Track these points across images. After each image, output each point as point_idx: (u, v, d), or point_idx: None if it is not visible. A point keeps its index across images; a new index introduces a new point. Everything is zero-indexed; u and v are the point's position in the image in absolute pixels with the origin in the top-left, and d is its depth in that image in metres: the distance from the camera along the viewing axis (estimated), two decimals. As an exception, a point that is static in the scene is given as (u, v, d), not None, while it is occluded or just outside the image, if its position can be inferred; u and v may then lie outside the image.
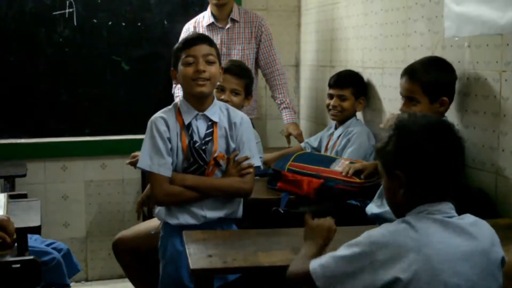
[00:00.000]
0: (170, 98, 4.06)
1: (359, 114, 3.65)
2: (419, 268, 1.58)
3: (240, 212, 2.67)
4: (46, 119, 4.41)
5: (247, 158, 2.62)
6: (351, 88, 3.49)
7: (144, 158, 2.56)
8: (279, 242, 2.17)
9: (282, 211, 2.81)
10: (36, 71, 4.36)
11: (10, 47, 4.30)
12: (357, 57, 3.82)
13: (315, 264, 1.74)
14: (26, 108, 4.37)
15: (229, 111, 2.68)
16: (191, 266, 1.94)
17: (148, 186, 3.27)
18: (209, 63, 2.58)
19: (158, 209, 2.66)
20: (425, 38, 3.04)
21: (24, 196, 3.24)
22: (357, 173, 2.90)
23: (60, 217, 4.47)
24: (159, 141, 2.54)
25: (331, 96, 3.53)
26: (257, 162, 2.67)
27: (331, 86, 3.54)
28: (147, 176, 3.51)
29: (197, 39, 2.61)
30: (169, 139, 2.56)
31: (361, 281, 1.65)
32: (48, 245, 3.43)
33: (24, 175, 3.93)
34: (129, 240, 3.24)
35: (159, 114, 2.64)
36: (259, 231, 2.35)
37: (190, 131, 2.57)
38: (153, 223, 3.22)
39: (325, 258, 1.73)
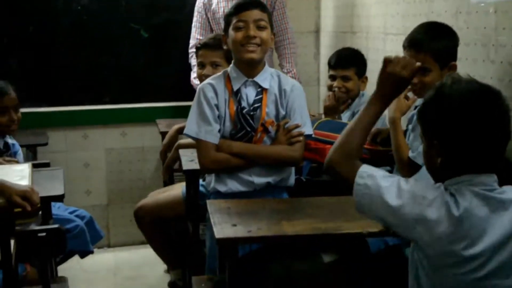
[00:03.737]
0: (189, 67, 4.05)
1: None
2: (451, 241, 1.58)
3: (291, 180, 2.63)
4: (66, 88, 4.42)
5: (297, 126, 2.56)
6: (354, 67, 3.37)
7: (191, 125, 2.54)
8: (302, 211, 2.17)
9: (304, 180, 2.80)
10: (55, 40, 4.36)
11: (29, 17, 4.29)
12: (378, 23, 3.77)
13: (362, 175, 1.71)
14: (46, 77, 4.38)
15: (280, 78, 2.62)
16: (216, 236, 1.94)
17: (173, 149, 3.30)
18: (260, 28, 2.52)
19: (207, 180, 2.64)
20: (449, 4, 2.99)
21: (47, 165, 3.26)
22: (373, 138, 2.87)
23: (81, 185, 4.51)
24: (206, 108, 2.52)
25: (333, 77, 3.40)
26: (308, 130, 2.61)
27: (332, 67, 3.42)
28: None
29: (249, 3, 2.54)
30: (217, 106, 2.53)
31: (390, 223, 1.68)
32: (71, 212, 3.47)
33: (46, 144, 3.96)
34: (150, 209, 3.26)
35: (207, 81, 2.61)
36: (281, 200, 2.35)
37: (238, 98, 2.54)
38: (173, 191, 3.24)
39: (374, 182, 1.69)
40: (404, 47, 2.61)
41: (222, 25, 3.96)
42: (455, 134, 1.64)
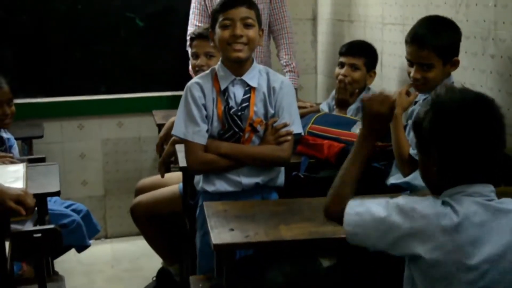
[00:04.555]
0: (186, 55, 4.00)
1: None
2: (449, 252, 1.56)
3: (281, 180, 2.59)
4: (62, 78, 4.38)
5: (285, 125, 2.52)
6: (364, 58, 3.30)
7: (179, 125, 2.51)
8: (299, 214, 2.14)
9: (302, 176, 2.77)
10: (50, 29, 4.32)
11: (23, 5, 4.24)
12: (376, 12, 3.73)
13: (350, 214, 1.70)
14: (41, 67, 4.33)
15: (269, 75, 2.57)
16: (213, 241, 1.92)
17: (169, 144, 3.27)
18: (247, 26, 2.47)
19: (195, 180, 2.61)
20: (448, -5, 2.95)
21: (42, 160, 3.24)
22: None
23: (78, 176, 4.49)
24: (194, 108, 2.48)
25: (341, 65, 3.35)
26: (297, 129, 2.57)
27: (342, 53, 3.36)
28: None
29: (235, 1, 2.48)
30: (204, 106, 2.50)
31: (383, 243, 1.65)
32: (67, 206, 3.45)
33: (41, 136, 3.94)
34: (146, 205, 3.25)
35: (195, 79, 2.57)
36: (279, 201, 2.33)
37: (226, 97, 2.50)
38: (168, 189, 3.22)
39: (361, 212, 1.69)
40: (407, 41, 2.58)
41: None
42: (452, 143, 1.62)
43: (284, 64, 4.02)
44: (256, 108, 2.51)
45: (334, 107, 3.38)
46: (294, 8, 4.51)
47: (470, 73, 2.79)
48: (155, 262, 3.87)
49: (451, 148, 1.63)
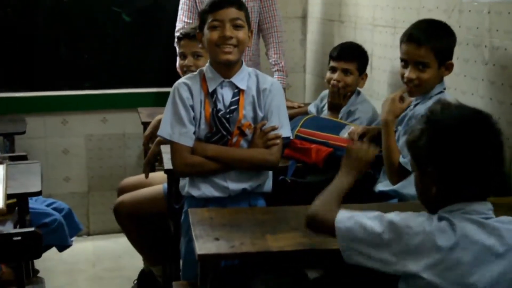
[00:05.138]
0: (173, 51, 3.94)
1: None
2: (446, 270, 1.52)
3: (268, 186, 2.53)
4: (46, 72, 4.31)
5: (274, 129, 2.46)
6: (356, 62, 3.22)
7: (165, 126, 2.43)
8: (286, 223, 2.09)
9: (289, 181, 2.73)
10: (35, 23, 4.24)
11: (7, -1, 4.17)
12: (367, 14, 3.68)
13: (342, 220, 1.68)
14: (25, 61, 4.26)
15: (258, 77, 2.51)
16: (198, 251, 1.87)
17: (154, 144, 3.21)
18: (237, 27, 2.40)
19: (181, 184, 2.55)
20: (441, 0, 2.90)
21: (24, 158, 3.17)
22: (361, 137, 2.80)
23: (60, 172, 4.42)
24: (181, 108, 2.41)
25: (333, 70, 3.26)
26: (285, 132, 2.50)
27: (334, 58, 3.27)
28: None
29: (225, 1, 2.41)
30: (192, 107, 2.43)
31: (377, 260, 1.61)
32: (49, 205, 3.39)
33: (24, 132, 3.86)
34: (129, 205, 3.19)
35: (182, 79, 2.50)
36: (265, 209, 2.29)
37: (214, 99, 2.44)
38: (152, 189, 3.16)
39: (354, 220, 1.66)
40: (402, 41, 2.54)
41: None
42: (451, 161, 1.58)
43: (273, 63, 3.97)
44: (245, 111, 2.45)
45: (324, 109, 3.33)
46: (284, 6, 4.46)
47: (462, 79, 2.75)
48: (137, 261, 3.82)
49: (450, 167, 1.59)
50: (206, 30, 2.43)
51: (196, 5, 3.92)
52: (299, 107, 3.76)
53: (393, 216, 1.63)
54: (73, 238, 3.44)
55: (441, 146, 1.60)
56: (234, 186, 2.45)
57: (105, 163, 4.50)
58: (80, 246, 4.21)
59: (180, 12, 3.96)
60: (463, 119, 1.62)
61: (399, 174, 2.42)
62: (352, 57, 3.22)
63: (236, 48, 2.41)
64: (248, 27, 2.46)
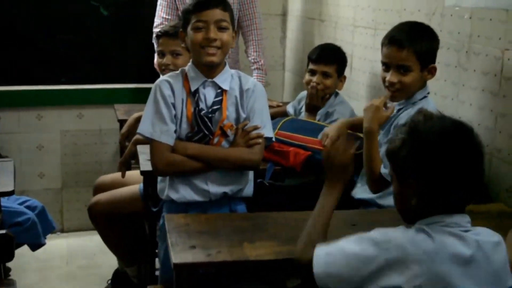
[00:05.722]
0: (151, 47, 3.88)
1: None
2: (428, 282, 1.50)
3: (249, 190, 2.49)
4: (21, 66, 4.24)
5: (256, 128, 2.42)
6: (335, 65, 3.20)
7: (146, 123, 2.37)
8: (264, 230, 2.06)
9: (267, 184, 2.70)
10: (10, 16, 4.16)
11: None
12: (348, 14, 3.65)
13: (320, 255, 1.64)
14: (-1, 55, 4.18)
15: (241, 79, 2.47)
16: (173, 260, 1.83)
17: (130, 143, 3.15)
18: (221, 29, 2.36)
19: (159, 187, 2.49)
20: (423, 3, 2.89)
21: (-4, 156, 3.11)
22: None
23: (34, 167, 4.36)
24: (163, 106, 2.36)
25: (312, 72, 3.23)
26: (268, 132, 2.46)
27: (313, 61, 3.24)
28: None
29: (209, 2, 2.36)
30: (174, 105, 2.38)
31: (357, 280, 1.58)
32: (22, 203, 3.33)
33: (-4, 129, 3.79)
34: (105, 205, 3.13)
35: (164, 77, 2.44)
36: (245, 215, 2.25)
37: (196, 98, 2.39)
38: (128, 189, 3.11)
39: (332, 252, 1.63)
40: (384, 44, 2.49)
41: (188, 6, 3.83)
42: (432, 173, 1.56)
43: (252, 61, 3.93)
44: (228, 112, 2.41)
45: (302, 111, 3.30)
46: (264, 3, 4.41)
47: (442, 84, 2.74)
48: (112, 259, 3.77)
49: (431, 179, 1.57)
50: (189, 31, 2.38)
51: (175, 1, 3.87)
52: (278, 106, 3.73)
53: (372, 233, 1.61)
54: (47, 237, 3.38)
55: (423, 158, 1.57)
56: (215, 189, 2.40)
57: (80, 159, 4.44)
58: (54, 243, 4.13)
59: (158, 7, 3.90)
60: (445, 131, 1.60)
61: (379, 183, 2.38)
62: (331, 60, 3.20)
63: (220, 50, 2.37)
64: (232, 28, 2.42)
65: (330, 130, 2.73)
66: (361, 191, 2.56)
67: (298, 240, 1.78)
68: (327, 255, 1.64)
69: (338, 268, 1.61)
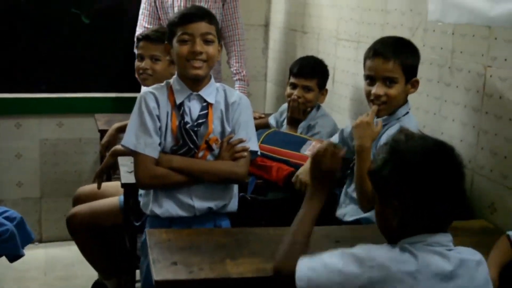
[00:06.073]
0: (133, 56, 3.85)
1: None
2: None
3: (234, 205, 2.47)
4: (0, 74, 4.17)
5: (241, 141, 2.40)
6: (316, 79, 3.19)
7: (130, 136, 2.33)
8: (247, 247, 2.04)
9: (249, 198, 2.69)
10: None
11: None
12: (331, 26, 3.66)
13: (302, 270, 1.62)
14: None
15: (226, 92, 2.45)
16: (155, 277, 1.80)
17: (108, 155, 3.12)
18: (208, 42, 2.34)
19: (142, 201, 2.45)
20: (406, 17, 2.90)
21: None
22: None
23: (13, 176, 4.31)
24: (148, 118, 2.33)
25: (293, 86, 3.21)
26: (253, 146, 2.44)
27: (294, 75, 3.23)
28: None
29: (195, 15, 2.34)
30: (158, 117, 2.35)
31: None
32: (0, 214, 3.27)
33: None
34: (84, 217, 3.09)
35: (149, 89, 2.41)
36: (227, 231, 2.23)
37: (181, 111, 2.36)
38: (108, 201, 3.08)
39: (315, 267, 1.61)
40: (368, 57, 2.48)
41: (170, 15, 3.81)
42: (415, 193, 1.56)
43: (234, 72, 3.92)
44: (214, 126, 2.39)
45: (284, 123, 3.30)
46: (246, 13, 4.41)
47: (424, 99, 2.75)
48: (91, 270, 3.71)
49: (412, 199, 1.57)
50: (175, 43, 2.36)
51: (157, 11, 3.86)
52: (260, 117, 3.72)
53: (355, 249, 1.60)
54: (25, 248, 3.34)
55: (405, 179, 1.57)
56: (200, 204, 2.38)
57: (60, 168, 4.39)
58: (32, 254, 4.07)
59: (140, 17, 3.88)
60: (426, 151, 1.59)
61: (371, 201, 2.36)
62: (312, 74, 3.19)
63: (206, 63, 2.35)
64: (218, 42, 2.40)
65: (301, 173, 2.69)
66: (351, 213, 2.52)
67: (278, 248, 1.75)
68: (309, 270, 1.62)
69: (320, 284, 1.60)
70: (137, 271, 2.81)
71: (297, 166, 2.73)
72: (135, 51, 3.75)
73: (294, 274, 1.63)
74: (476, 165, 2.45)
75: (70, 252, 4.13)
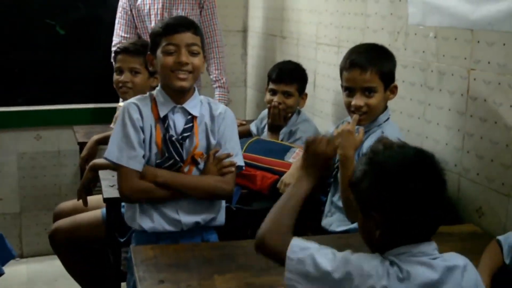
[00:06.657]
0: (110, 66, 3.80)
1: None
2: None
3: (221, 219, 2.41)
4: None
5: (229, 156, 2.35)
6: (296, 84, 3.16)
7: (112, 148, 2.26)
8: (234, 261, 2.01)
9: (234, 208, 2.64)
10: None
11: None
12: (310, 31, 3.63)
13: (295, 250, 1.57)
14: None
15: (210, 105, 2.40)
16: (142, 297, 1.76)
17: (87, 169, 3.05)
18: (193, 54, 2.29)
19: (126, 215, 2.38)
20: (386, 21, 2.88)
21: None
22: None
23: (-9, 192, 4.21)
24: (131, 130, 2.26)
25: (273, 92, 3.18)
26: (239, 161, 2.39)
27: (273, 81, 3.19)
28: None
29: (181, 25, 2.29)
30: (142, 129, 2.28)
31: None
32: (-22, 231, 3.20)
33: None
34: (66, 232, 3.02)
35: (132, 100, 2.34)
36: (212, 245, 2.19)
37: (166, 125, 2.30)
38: (90, 214, 3.02)
39: (308, 253, 1.56)
40: (345, 68, 2.44)
41: (147, 24, 3.77)
42: (395, 205, 1.52)
43: (214, 79, 3.88)
44: (199, 139, 2.34)
45: (265, 130, 3.26)
46: (224, 19, 4.38)
47: (408, 103, 2.73)
48: (74, 285, 3.66)
49: (393, 210, 1.52)
50: (159, 54, 2.30)
51: (134, 19, 3.81)
52: (242, 124, 3.68)
53: (347, 254, 1.56)
54: (5, 265, 3.26)
55: (384, 190, 1.52)
56: (187, 219, 2.32)
57: (39, 182, 4.31)
58: (13, 269, 3.98)
59: (116, 26, 3.83)
60: (405, 161, 1.55)
61: (356, 211, 2.33)
62: (291, 79, 3.16)
63: (192, 74, 2.30)
64: (203, 53, 2.36)
65: (286, 177, 2.67)
66: (339, 224, 2.49)
67: (264, 222, 1.69)
68: (299, 263, 1.56)
69: (307, 281, 1.54)
70: (123, 284, 2.75)
71: (281, 174, 2.70)
72: (112, 61, 3.71)
73: (279, 251, 1.58)
74: (462, 169, 2.43)
75: (52, 267, 4.05)
